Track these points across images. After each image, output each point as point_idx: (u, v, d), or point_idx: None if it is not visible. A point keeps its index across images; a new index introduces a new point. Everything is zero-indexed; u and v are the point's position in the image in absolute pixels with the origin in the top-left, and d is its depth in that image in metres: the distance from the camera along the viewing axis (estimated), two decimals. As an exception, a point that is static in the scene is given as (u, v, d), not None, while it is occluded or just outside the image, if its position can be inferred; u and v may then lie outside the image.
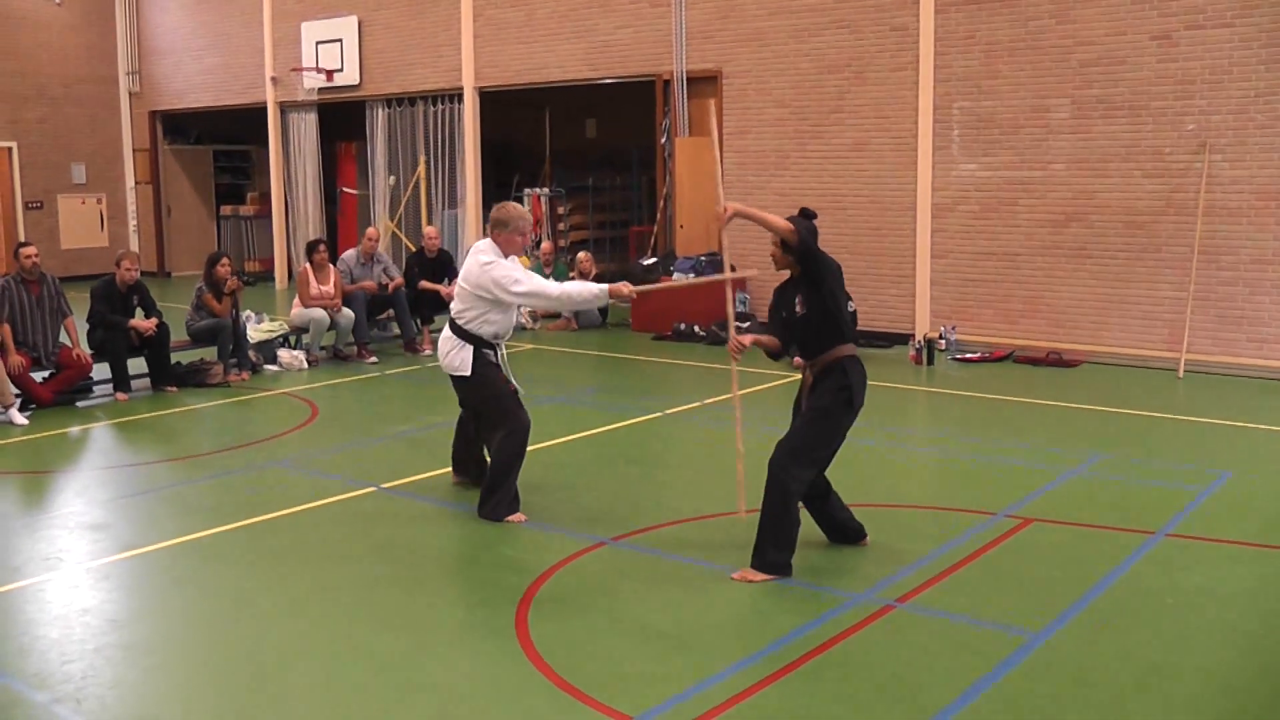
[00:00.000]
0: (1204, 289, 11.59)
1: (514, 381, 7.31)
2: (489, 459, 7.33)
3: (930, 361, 12.21)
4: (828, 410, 6.21)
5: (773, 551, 6.05)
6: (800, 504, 6.20)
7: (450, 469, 7.95)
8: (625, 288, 7.09)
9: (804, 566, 6.22)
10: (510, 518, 7.08)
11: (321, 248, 13.08)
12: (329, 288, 12.88)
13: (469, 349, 7.15)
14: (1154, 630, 5.38)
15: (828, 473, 6.43)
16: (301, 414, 10.29)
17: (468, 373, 7.15)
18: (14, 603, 5.94)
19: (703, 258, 14.39)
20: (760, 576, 6.03)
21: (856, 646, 5.22)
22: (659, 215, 16.12)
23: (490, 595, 5.98)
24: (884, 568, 6.19)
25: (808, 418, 6.26)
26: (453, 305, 7.31)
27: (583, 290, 7.22)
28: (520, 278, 7.07)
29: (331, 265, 13.18)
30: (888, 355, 12.78)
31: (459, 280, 7.29)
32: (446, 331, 7.28)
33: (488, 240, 7.22)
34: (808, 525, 6.39)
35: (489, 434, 7.30)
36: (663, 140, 15.55)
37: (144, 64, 22.77)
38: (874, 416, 10.03)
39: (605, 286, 7.11)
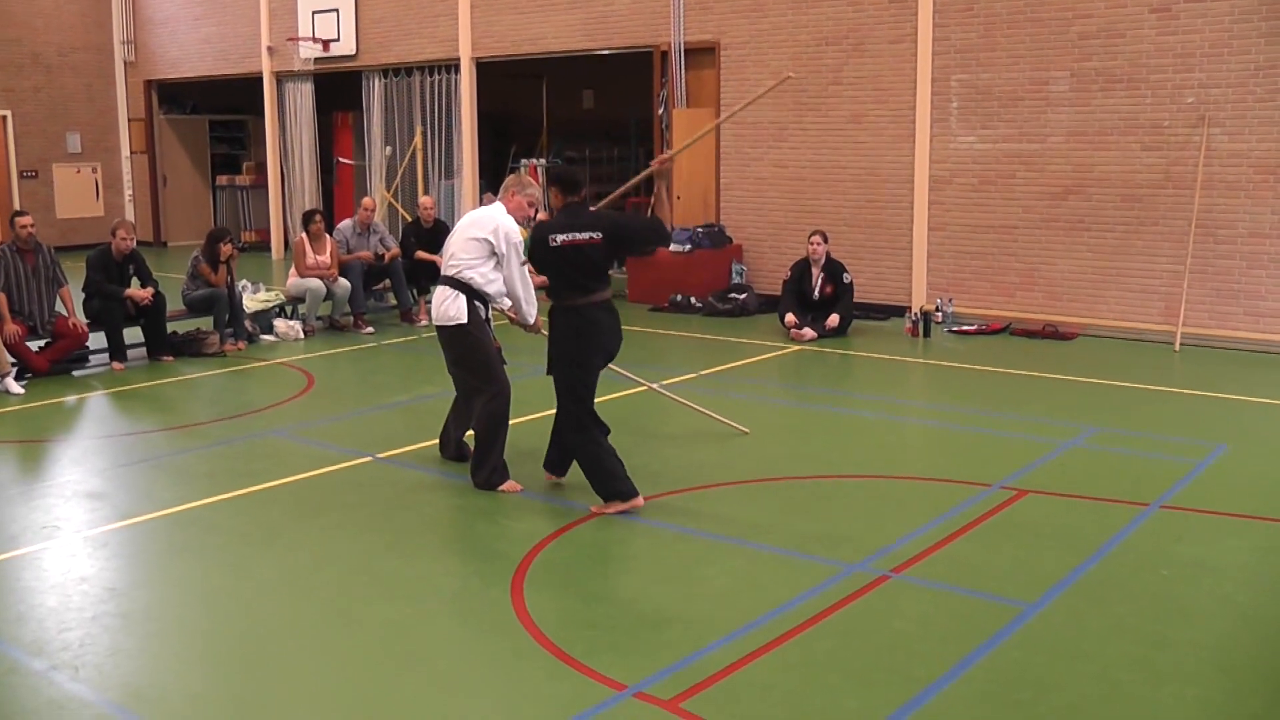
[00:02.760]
0: (1201, 262, 11.59)
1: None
2: (472, 429, 7.35)
3: (926, 334, 12.21)
4: (551, 357, 6.83)
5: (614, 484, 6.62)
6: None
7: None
8: (540, 324, 7.36)
9: (798, 537, 6.24)
10: (503, 487, 7.11)
11: (318, 218, 13.05)
12: (325, 258, 12.86)
13: (464, 298, 7.07)
14: (1148, 602, 5.40)
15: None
16: (298, 384, 10.29)
17: (464, 319, 7.06)
18: (11, 571, 5.95)
19: (699, 229, 14.37)
20: (621, 506, 6.59)
21: (851, 617, 5.24)
22: (656, 186, 16.06)
23: (486, 565, 6.00)
24: (879, 538, 6.20)
25: None
26: (451, 260, 7.16)
27: (531, 299, 7.25)
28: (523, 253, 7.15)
29: (328, 235, 13.15)
30: (884, 327, 12.78)
31: (464, 233, 7.16)
32: (441, 286, 7.20)
33: (496, 205, 7.21)
34: (814, 498, 6.40)
35: (472, 396, 7.30)
36: (660, 111, 15.50)
37: (140, 33, 22.65)
38: (870, 388, 10.07)
39: (536, 317, 7.35)
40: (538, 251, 6.65)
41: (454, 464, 7.66)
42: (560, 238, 6.54)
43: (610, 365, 7.12)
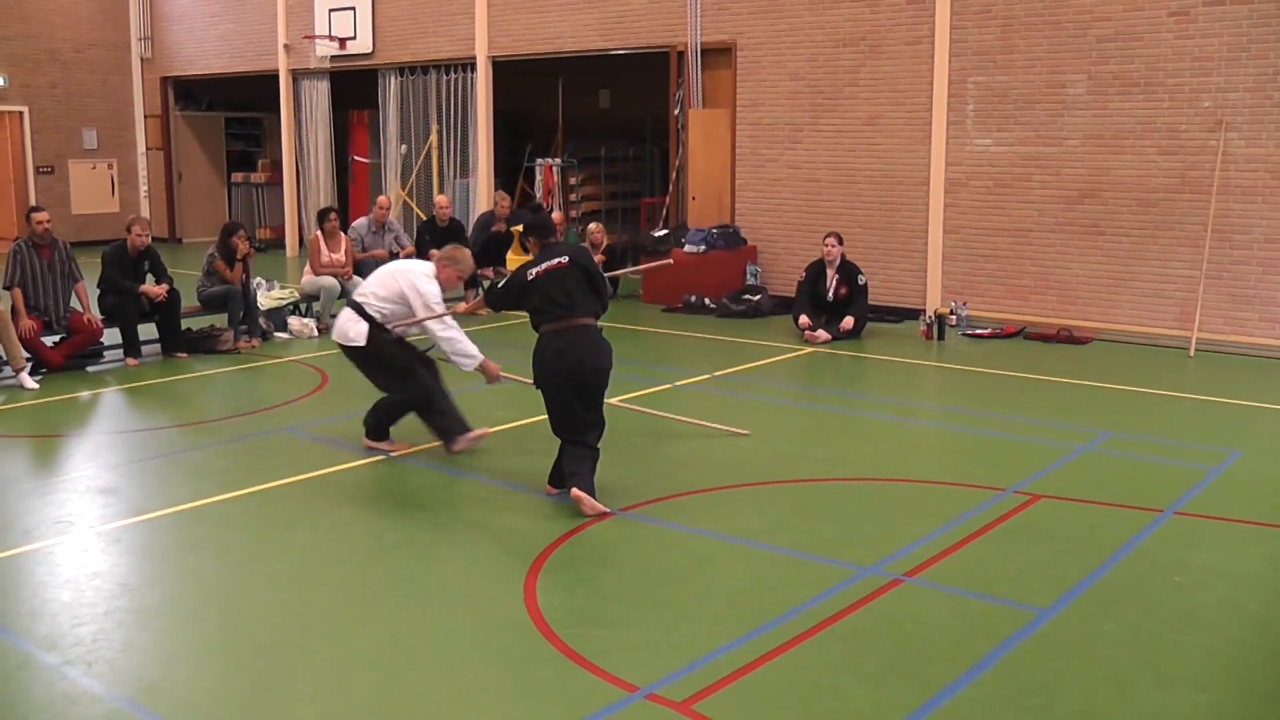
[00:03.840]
0: (1217, 267, 11.55)
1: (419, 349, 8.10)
2: (382, 399, 7.99)
3: (941, 337, 12.19)
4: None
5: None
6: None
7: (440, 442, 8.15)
8: (493, 368, 7.81)
9: (811, 539, 6.24)
10: (382, 444, 7.91)
11: (333, 215, 13.08)
12: (340, 255, 12.88)
13: (365, 324, 7.75)
14: (1161, 607, 5.38)
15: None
16: (311, 381, 10.31)
17: (363, 343, 7.75)
18: (25, 565, 5.97)
19: (714, 229, 14.36)
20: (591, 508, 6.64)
21: (864, 620, 5.23)
22: (671, 187, 16.09)
23: (498, 564, 6.00)
24: (892, 541, 6.19)
25: None
26: (364, 292, 7.90)
27: (465, 346, 7.69)
28: (450, 324, 7.70)
29: (343, 233, 13.17)
30: (898, 330, 12.76)
31: (390, 277, 7.88)
32: (347, 309, 7.88)
33: (430, 264, 7.99)
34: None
35: (389, 394, 7.95)
36: (676, 111, 15.49)
37: (156, 29, 22.71)
38: (884, 391, 10.06)
39: (479, 357, 7.71)
40: (516, 294, 7.01)
41: (467, 463, 7.67)
42: (534, 270, 6.90)
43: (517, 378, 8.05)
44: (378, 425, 7.99)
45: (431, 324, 7.66)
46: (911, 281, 13.52)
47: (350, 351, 7.89)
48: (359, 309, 7.79)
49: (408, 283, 7.75)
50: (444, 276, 7.90)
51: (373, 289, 7.87)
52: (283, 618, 5.35)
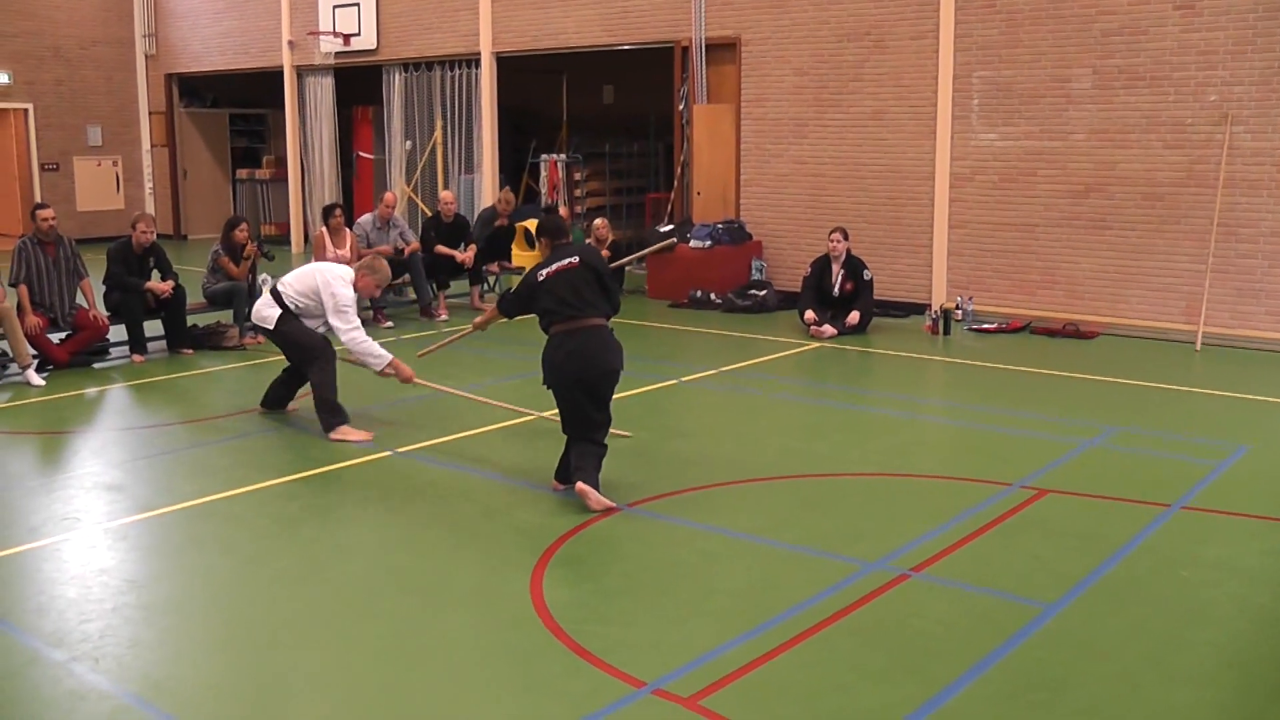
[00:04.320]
0: (1223, 261, 11.52)
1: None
2: (310, 388, 8.49)
3: (946, 332, 12.17)
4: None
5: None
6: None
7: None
8: (406, 370, 8.36)
9: (817, 534, 6.24)
10: (345, 431, 8.20)
11: (338, 212, 13.08)
12: (345, 251, 12.88)
13: (278, 310, 8.44)
14: (1168, 603, 5.38)
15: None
16: (317, 378, 10.30)
17: (272, 325, 8.46)
18: (32, 562, 5.98)
19: (719, 225, 14.35)
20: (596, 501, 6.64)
21: (869, 616, 5.23)
22: (676, 182, 16.07)
23: (505, 559, 6.00)
24: (898, 537, 6.19)
25: None
26: (285, 284, 8.53)
27: (371, 346, 8.31)
28: (353, 323, 8.29)
29: (347, 229, 13.18)
30: (904, 325, 12.75)
31: (309, 275, 8.51)
32: (266, 295, 8.58)
33: (350, 270, 8.58)
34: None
35: (306, 369, 8.47)
36: (681, 107, 15.48)
37: (160, 26, 22.73)
38: (889, 386, 10.05)
39: (388, 357, 8.31)
40: (527, 297, 6.99)
41: (473, 458, 7.67)
42: (544, 271, 6.90)
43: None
44: (340, 414, 8.33)
45: (335, 322, 8.28)
46: (917, 276, 13.51)
47: (267, 332, 8.63)
48: (276, 296, 8.48)
49: (323, 281, 8.37)
50: (362, 285, 8.53)
51: (291, 281, 8.55)
52: (289, 614, 5.36)
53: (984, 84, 12.83)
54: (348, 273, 8.53)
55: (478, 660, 4.88)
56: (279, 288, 8.54)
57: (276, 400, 9.02)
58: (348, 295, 8.32)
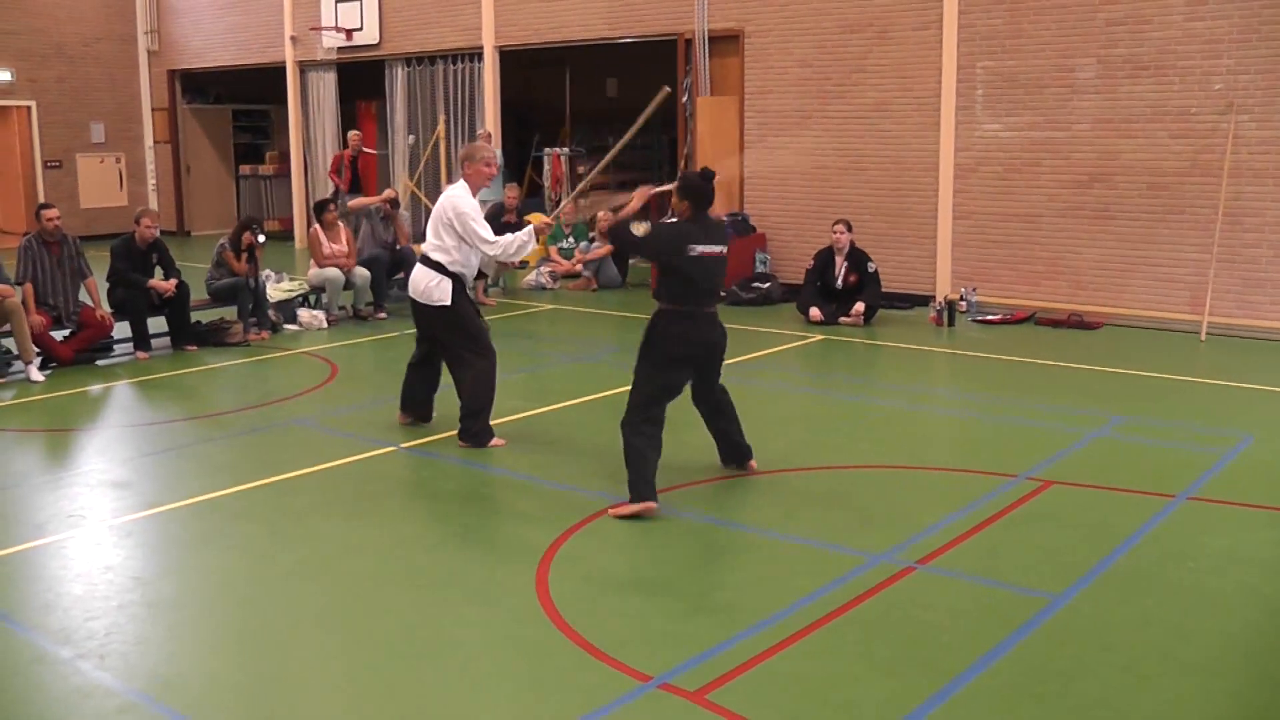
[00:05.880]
0: (1228, 251, 11.50)
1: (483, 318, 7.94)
2: (460, 399, 7.79)
3: (951, 323, 12.15)
4: (639, 354, 6.75)
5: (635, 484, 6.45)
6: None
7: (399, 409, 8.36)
8: (540, 219, 7.65)
9: (823, 527, 6.22)
10: (493, 443, 7.73)
11: (331, 207, 13.14)
12: (341, 246, 12.89)
13: (449, 280, 7.64)
14: (1175, 594, 5.37)
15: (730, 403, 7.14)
16: (321, 373, 10.31)
17: (448, 302, 7.63)
18: (38, 559, 5.98)
19: (724, 217, 14.33)
20: (630, 508, 6.39)
21: (877, 608, 5.22)
22: (679, 175, 16.02)
23: (511, 554, 5.99)
24: (905, 529, 6.18)
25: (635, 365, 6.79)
26: (427, 241, 7.74)
27: (514, 238, 7.59)
28: (490, 238, 7.58)
29: (342, 224, 13.20)
30: (908, 317, 12.73)
31: (433, 216, 7.75)
32: (420, 267, 7.73)
33: (461, 182, 7.73)
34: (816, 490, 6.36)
35: (460, 370, 7.76)
36: (684, 100, 15.46)
37: (163, 22, 22.72)
38: (894, 378, 10.03)
39: (530, 236, 7.58)
40: (669, 251, 6.57)
41: (479, 454, 7.66)
42: (700, 248, 6.55)
43: None
44: (488, 427, 7.80)
45: (479, 246, 7.61)
46: (921, 268, 13.49)
47: (433, 312, 7.72)
48: (429, 262, 7.67)
49: (440, 214, 7.65)
50: (472, 176, 7.71)
51: (429, 239, 7.73)
52: (296, 610, 5.35)
53: (988, 74, 12.80)
54: (456, 187, 7.69)
55: (485, 655, 4.87)
56: (424, 249, 7.75)
57: (420, 404, 8.27)
58: (465, 203, 7.58)
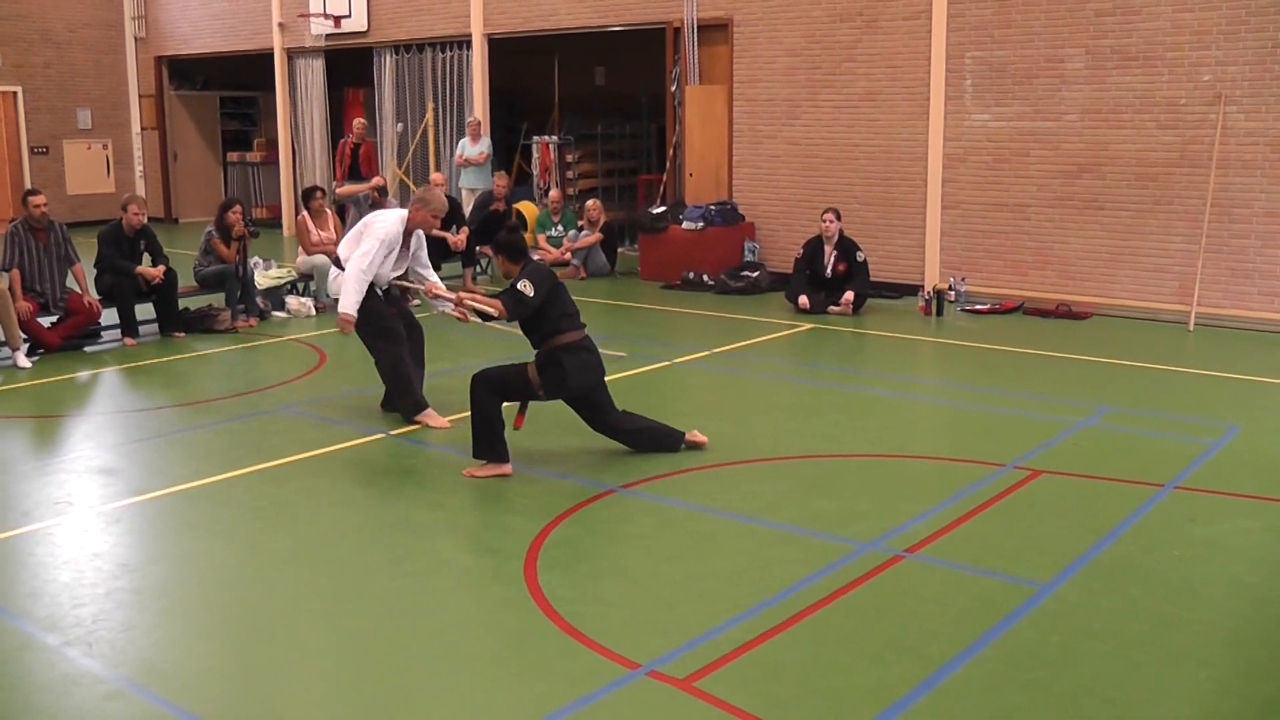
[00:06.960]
0: (1216, 241, 11.52)
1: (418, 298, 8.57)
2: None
3: (939, 313, 12.17)
4: (548, 386, 7.00)
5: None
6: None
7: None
8: (346, 329, 7.86)
9: (811, 515, 6.23)
10: (423, 417, 8.02)
11: (319, 194, 13.12)
12: (329, 233, 12.87)
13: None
14: (1162, 582, 5.38)
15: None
16: (309, 360, 10.30)
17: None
18: (24, 546, 5.96)
19: (712, 206, 14.33)
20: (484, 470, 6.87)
21: (864, 596, 5.23)
22: (668, 163, 16.04)
23: (498, 542, 5.99)
24: (892, 518, 6.19)
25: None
26: (342, 247, 8.11)
27: (351, 287, 7.80)
28: (368, 262, 7.77)
29: (330, 211, 13.17)
30: (897, 306, 12.75)
31: (360, 222, 8.13)
32: (334, 269, 8.12)
33: (402, 212, 8.06)
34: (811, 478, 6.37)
35: (374, 358, 8.21)
36: (673, 88, 15.44)
37: (150, 8, 22.62)
38: (882, 367, 10.04)
39: (351, 313, 7.79)
40: (545, 297, 6.90)
41: (467, 441, 7.65)
42: (547, 285, 6.95)
43: None
44: (402, 403, 8.14)
45: (356, 261, 7.83)
46: (910, 257, 13.50)
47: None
48: (338, 264, 8.11)
49: (364, 225, 8.02)
50: (417, 219, 8.05)
51: (346, 250, 8.09)
52: (283, 597, 5.35)
53: (977, 64, 12.81)
54: (389, 214, 8.09)
55: (472, 642, 4.87)
56: (339, 251, 8.16)
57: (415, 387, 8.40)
58: (370, 247, 7.80)
